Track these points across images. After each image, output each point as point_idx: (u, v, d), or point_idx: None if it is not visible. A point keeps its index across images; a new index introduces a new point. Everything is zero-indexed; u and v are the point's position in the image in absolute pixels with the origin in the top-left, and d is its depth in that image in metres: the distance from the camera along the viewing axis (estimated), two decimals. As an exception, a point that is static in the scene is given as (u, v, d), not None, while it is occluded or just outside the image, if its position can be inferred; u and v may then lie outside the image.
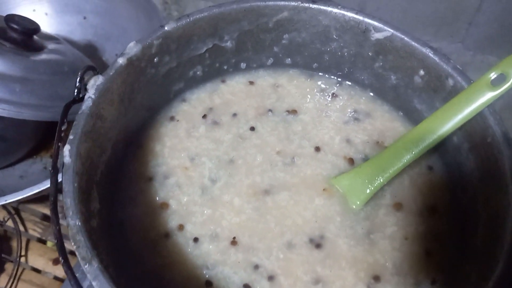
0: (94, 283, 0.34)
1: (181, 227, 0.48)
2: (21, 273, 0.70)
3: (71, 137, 0.41)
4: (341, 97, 0.60)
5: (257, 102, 0.59)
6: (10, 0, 0.89)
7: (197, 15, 0.51)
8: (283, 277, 0.46)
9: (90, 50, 0.90)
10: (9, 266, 0.70)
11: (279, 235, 0.48)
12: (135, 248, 0.46)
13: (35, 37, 0.71)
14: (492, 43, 0.77)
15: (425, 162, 0.54)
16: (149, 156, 0.53)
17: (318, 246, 0.48)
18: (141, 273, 0.45)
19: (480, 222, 0.45)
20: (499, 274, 0.37)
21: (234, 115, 0.57)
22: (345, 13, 0.53)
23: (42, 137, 0.78)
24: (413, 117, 0.56)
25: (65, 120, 0.42)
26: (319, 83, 0.61)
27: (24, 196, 0.63)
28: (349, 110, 0.58)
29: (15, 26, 0.67)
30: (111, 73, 0.46)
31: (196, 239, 0.47)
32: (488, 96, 0.45)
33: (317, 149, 0.55)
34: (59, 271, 0.71)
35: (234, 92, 0.60)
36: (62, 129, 0.41)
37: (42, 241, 0.74)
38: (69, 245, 0.42)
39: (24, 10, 0.88)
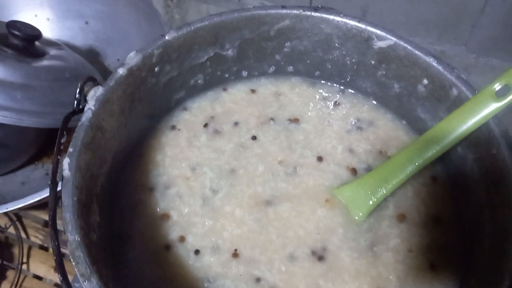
0: (93, 300, 0.33)
1: (182, 239, 0.48)
2: (23, 280, 0.70)
3: (70, 149, 0.40)
4: (343, 105, 0.59)
5: (258, 111, 0.58)
6: (12, 5, 0.89)
7: (198, 24, 0.51)
8: (285, 290, 0.45)
9: (91, 55, 0.90)
10: (10, 273, 0.70)
11: (281, 247, 0.48)
12: (135, 260, 0.46)
13: (36, 43, 0.71)
14: (495, 46, 0.77)
15: (429, 173, 0.53)
16: (150, 166, 0.52)
17: (320, 258, 0.47)
18: (142, 286, 0.44)
19: (485, 235, 0.45)
20: (505, 292, 0.36)
21: (236, 123, 0.57)
22: (347, 21, 0.53)
23: (44, 143, 0.78)
24: (417, 126, 0.56)
25: (64, 133, 0.41)
26: (321, 91, 0.60)
27: (25, 204, 0.62)
28: (351, 119, 0.58)
29: (16, 33, 0.66)
30: (111, 84, 0.46)
31: (197, 251, 0.47)
32: (493, 107, 0.44)
33: (320, 158, 0.54)
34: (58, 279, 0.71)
35: (235, 100, 0.59)
36: (62, 141, 0.41)
37: (44, 248, 0.74)
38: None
39: (26, 16, 0.88)
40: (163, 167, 0.52)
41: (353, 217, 0.49)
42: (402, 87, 0.55)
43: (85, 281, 0.33)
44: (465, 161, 0.49)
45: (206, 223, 0.49)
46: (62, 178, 0.38)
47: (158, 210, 0.49)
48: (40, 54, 0.71)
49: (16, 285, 0.69)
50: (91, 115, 0.43)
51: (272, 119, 0.57)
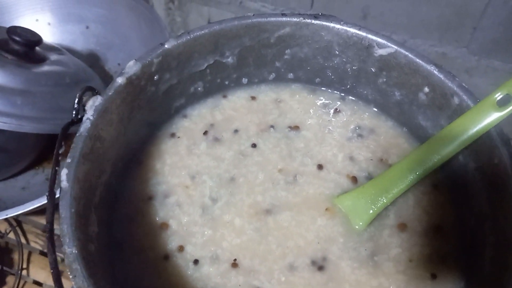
0: (91, 314, 0.33)
1: (181, 248, 0.47)
2: (23, 286, 0.70)
3: (68, 160, 0.40)
4: (344, 113, 0.59)
5: (258, 118, 0.58)
6: (13, 10, 0.89)
7: (197, 32, 0.51)
8: (285, 301, 0.45)
9: (92, 59, 0.90)
10: (10, 279, 0.70)
11: (281, 257, 0.47)
12: (133, 270, 0.46)
13: (37, 48, 0.71)
14: (497, 48, 0.76)
15: (430, 181, 0.53)
16: (149, 174, 0.52)
17: (320, 268, 0.47)
18: (140, 297, 0.44)
19: (487, 245, 0.44)
20: (506, 306, 0.36)
21: (236, 131, 0.56)
22: (348, 29, 0.52)
23: (44, 149, 0.78)
24: (418, 134, 0.55)
25: (62, 143, 0.41)
26: (322, 98, 0.60)
27: (26, 210, 0.62)
28: (352, 126, 0.57)
29: (17, 38, 0.66)
30: (110, 93, 0.45)
31: (196, 261, 0.47)
32: (494, 116, 0.44)
33: (320, 167, 0.54)
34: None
35: (235, 107, 0.59)
36: (60, 151, 0.41)
37: (44, 254, 0.73)
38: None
39: (27, 20, 0.88)
40: (163, 176, 0.52)
41: (354, 226, 0.49)
42: (403, 94, 0.54)
43: (82, 295, 0.33)
44: (466, 170, 0.49)
45: (206, 233, 0.48)
46: (60, 190, 0.38)
47: (157, 219, 0.49)
48: (41, 60, 0.71)
49: (16, 291, 0.68)
50: (89, 125, 0.43)
51: (272, 126, 0.57)
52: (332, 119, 0.58)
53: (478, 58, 0.79)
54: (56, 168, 0.40)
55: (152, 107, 0.53)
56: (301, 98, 0.60)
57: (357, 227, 0.49)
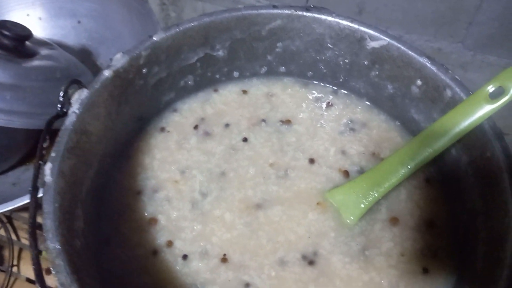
0: (74, 310, 0.33)
1: (170, 244, 0.47)
2: (13, 283, 0.69)
3: (53, 154, 0.39)
4: (336, 106, 0.58)
5: (250, 112, 0.57)
6: (3, 4, 0.88)
7: (186, 24, 0.50)
8: (275, 296, 0.44)
9: (84, 54, 0.89)
10: (1, 276, 0.69)
11: (271, 252, 0.47)
12: (121, 266, 0.45)
13: (27, 43, 0.70)
14: (492, 43, 0.76)
15: (422, 175, 0.52)
16: (138, 169, 0.51)
17: (311, 263, 0.46)
18: (128, 293, 0.43)
19: (479, 240, 0.44)
20: (497, 301, 0.35)
21: (227, 125, 0.56)
22: (340, 21, 0.52)
23: (35, 144, 0.77)
24: (411, 127, 0.55)
25: (47, 137, 0.40)
26: (314, 91, 0.59)
27: (15, 206, 0.61)
28: (344, 120, 0.57)
29: (6, 33, 0.65)
30: (96, 87, 0.45)
31: (185, 256, 0.46)
32: (487, 109, 0.43)
33: (312, 161, 0.53)
34: (51, 281, 0.70)
35: (226, 101, 0.58)
36: (45, 146, 0.40)
37: (35, 251, 0.73)
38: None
39: (18, 15, 0.87)
40: (152, 170, 0.51)
41: (345, 220, 0.48)
42: (396, 88, 0.54)
43: (64, 291, 0.32)
44: (459, 164, 0.49)
45: (195, 228, 0.48)
46: (44, 184, 0.37)
47: (146, 214, 0.48)
48: (31, 54, 0.70)
49: (6, 288, 0.68)
50: (75, 119, 0.42)
51: (263, 120, 0.56)
52: (324, 113, 0.58)
53: (473, 53, 0.79)
54: (40, 162, 0.39)
55: (141, 101, 0.52)
56: (293, 92, 0.59)
57: (348, 221, 0.48)
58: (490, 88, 0.44)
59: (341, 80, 0.58)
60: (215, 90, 0.59)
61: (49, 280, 0.68)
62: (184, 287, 0.44)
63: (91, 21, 0.89)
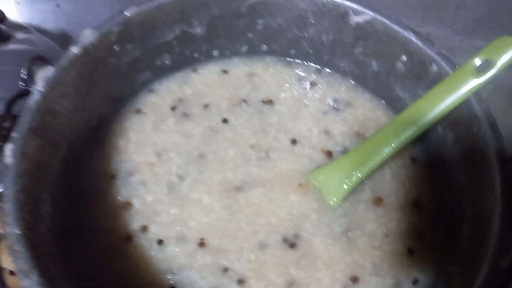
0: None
1: (144, 229, 0.45)
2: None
3: (15, 135, 0.37)
4: (320, 86, 0.56)
5: (230, 92, 0.55)
6: (-23, -13, 0.84)
7: (160, -1, 0.47)
8: (254, 280, 0.43)
9: (64, 39, 0.86)
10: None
11: (251, 235, 0.45)
12: (93, 253, 0.43)
13: (1, 26, 0.68)
14: (481, 27, 0.74)
15: (408, 154, 0.50)
16: (112, 152, 0.49)
17: (292, 246, 0.44)
18: (100, 281, 0.41)
19: (465, 220, 0.42)
20: (483, 280, 0.34)
21: (206, 106, 0.53)
22: (322, -6, 0.49)
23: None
24: (396, 106, 0.53)
25: (7, 116, 0.38)
26: (297, 71, 0.57)
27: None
28: (328, 100, 0.55)
29: (-22, 16, 0.63)
30: (63, 64, 0.42)
31: (160, 241, 0.44)
32: (473, 83, 0.42)
33: (294, 142, 0.51)
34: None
35: (206, 82, 0.56)
36: (7, 126, 0.38)
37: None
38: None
39: (-7, -2, 0.84)
40: (126, 154, 0.49)
41: (328, 202, 0.47)
42: (381, 64, 0.52)
43: (23, 279, 0.30)
44: (445, 142, 0.47)
45: (172, 212, 0.46)
46: (4, 166, 0.35)
47: (120, 198, 0.46)
48: (5, 38, 0.68)
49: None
50: (39, 98, 0.40)
51: (244, 101, 0.54)
52: (308, 92, 0.56)
53: (462, 38, 0.78)
54: (1, 143, 0.37)
55: (114, 81, 0.49)
56: (275, 71, 0.57)
57: (331, 202, 0.47)
58: (477, 61, 0.42)
59: (325, 58, 0.56)
60: (194, 70, 0.56)
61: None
62: (158, 273, 0.42)
63: (71, 4, 0.86)
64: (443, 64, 0.45)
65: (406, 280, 0.43)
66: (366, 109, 0.54)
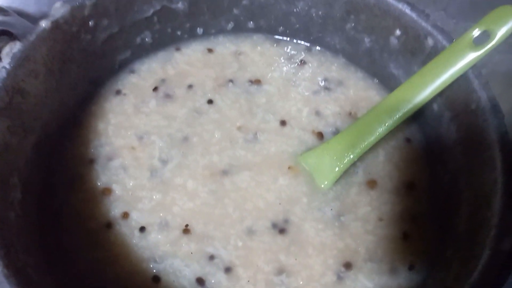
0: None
1: (125, 215, 0.42)
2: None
3: (-22, 115, 0.34)
4: (310, 64, 0.53)
5: (216, 72, 0.52)
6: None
7: (137, -30, 0.44)
8: (242, 268, 0.40)
9: (44, 22, 0.82)
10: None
11: (238, 220, 0.43)
12: (71, 242, 0.40)
13: (-25, 7, 0.64)
14: (475, 10, 0.72)
15: (402, 134, 0.48)
16: (91, 136, 0.46)
17: (282, 231, 0.42)
18: (77, 271, 0.39)
19: (463, 201, 0.40)
20: (484, 263, 0.31)
21: (190, 87, 0.51)
22: (311, -35, 0.46)
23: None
24: (390, 85, 0.51)
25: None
26: (286, 49, 0.54)
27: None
28: (319, 79, 0.52)
29: None
30: (32, 39, 0.39)
31: (142, 229, 0.42)
32: (471, 56, 0.39)
33: (283, 123, 0.49)
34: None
35: (190, 61, 0.53)
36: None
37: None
38: None
39: (-34, -21, 0.79)
40: (106, 137, 0.47)
41: (319, 185, 0.44)
42: (373, 40, 0.49)
43: (-15, 269, 0.28)
44: (441, 120, 0.45)
45: (154, 197, 0.43)
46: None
47: (99, 184, 0.44)
48: (-21, 19, 0.64)
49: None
50: (5, 75, 0.37)
51: (231, 81, 0.51)
52: (297, 72, 0.53)
53: (456, 21, 0.75)
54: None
55: (90, 60, 0.46)
56: (263, 49, 0.54)
57: (322, 186, 0.44)
58: (475, 33, 0.39)
59: (315, 35, 0.53)
60: (177, 49, 0.53)
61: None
62: (140, 262, 0.40)
63: (52, -14, 0.82)
64: (439, 37, 0.43)
65: (402, 265, 0.41)
66: (358, 88, 0.52)
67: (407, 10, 0.44)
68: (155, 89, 0.50)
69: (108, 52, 0.48)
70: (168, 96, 0.50)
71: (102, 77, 0.50)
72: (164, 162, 0.45)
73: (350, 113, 0.50)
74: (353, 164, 0.45)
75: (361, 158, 0.45)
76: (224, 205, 0.43)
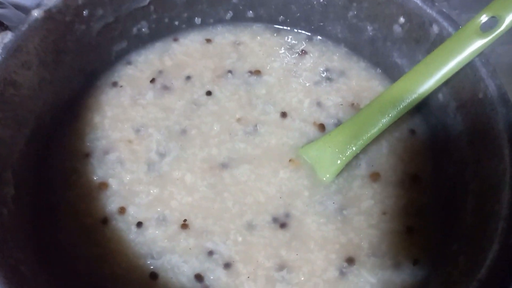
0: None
1: (122, 210, 0.41)
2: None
3: (-32, 107, 0.33)
4: (311, 54, 0.52)
5: (214, 63, 0.51)
6: None
7: (132, -43, 0.43)
8: (242, 263, 0.39)
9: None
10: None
11: (238, 215, 0.42)
12: (67, 238, 0.40)
13: (-31, -1, 0.62)
14: (478, 1, 0.70)
15: (406, 125, 0.47)
16: (86, 129, 0.45)
17: (283, 226, 0.41)
18: (73, 268, 0.38)
19: (469, 193, 0.39)
20: (493, 258, 0.30)
21: (188, 78, 0.49)
22: (311, -49, 0.45)
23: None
24: (393, 74, 0.49)
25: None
26: (286, 38, 0.53)
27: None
28: (320, 69, 0.51)
29: None
30: (23, 29, 0.38)
31: (139, 224, 0.41)
32: (478, 44, 0.38)
33: (284, 114, 0.47)
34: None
35: (188, 52, 0.52)
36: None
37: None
38: None
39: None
40: (102, 130, 0.45)
41: (320, 178, 0.43)
42: (376, 29, 0.48)
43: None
44: (446, 110, 0.43)
45: (151, 192, 0.42)
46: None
47: (95, 178, 0.43)
48: (-26, 11, 0.62)
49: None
50: (-5, 66, 0.35)
51: (230, 71, 0.50)
52: (298, 62, 0.52)
53: (459, 13, 0.74)
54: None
55: (85, 50, 0.45)
56: (263, 39, 0.53)
57: (324, 179, 0.43)
58: (483, 18, 0.38)
59: (316, 24, 0.52)
60: (175, 40, 0.52)
61: None
62: (138, 258, 0.39)
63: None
64: (445, 24, 0.41)
65: (406, 260, 0.40)
66: (361, 78, 0.50)
67: (412, -4, 0.43)
68: (153, 80, 0.49)
69: (104, 43, 0.47)
70: (165, 87, 0.49)
71: (97, 68, 0.48)
72: (161, 155, 0.44)
73: (352, 104, 0.48)
74: (356, 157, 0.44)
75: (364, 150, 0.44)
76: (223, 199, 0.42)
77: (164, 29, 0.51)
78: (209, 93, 0.48)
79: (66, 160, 0.43)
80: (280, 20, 0.53)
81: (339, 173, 0.43)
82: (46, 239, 0.38)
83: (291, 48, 0.53)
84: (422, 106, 0.45)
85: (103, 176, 0.43)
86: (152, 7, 0.48)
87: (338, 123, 0.47)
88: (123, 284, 0.38)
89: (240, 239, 0.40)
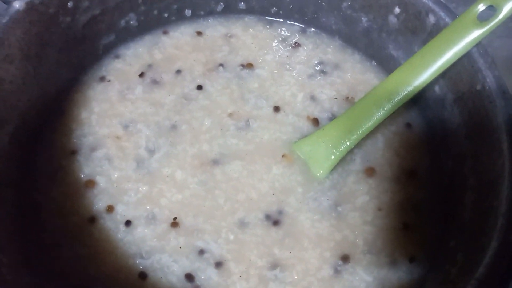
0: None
1: (110, 209, 0.40)
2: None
3: None
4: (305, 47, 0.51)
5: (205, 56, 0.49)
6: None
7: None
8: (234, 262, 0.38)
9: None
10: None
11: (230, 213, 0.40)
12: (52, 237, 0.38)
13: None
14: None
15: (402, 119, 0.46)
16: (73, 125, 0.44)
17: (275, 223, 0.40)
18: (58, 269, 0.37)
19: (467, 188, 0.38)
20: (492, 255, 0.29)
21: (178, 72, 0.48)
22: None
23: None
24: (388, 67, 0.48)
25: None
26: (279, 31, 0.52)
27: None
28: (314, 62, 0.50)
29: None
30: (4, 21, 0.37)
31: (128, 223, 0.39)
32: (475, 34, 0.37)
33: (276, 109, 0.46)
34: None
35: (178, 45, 0.50)
36: None
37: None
38: None
39: None
40: (89, 126, 0.44)
41: (314, 174, 0.42)
42: (371, 20, 0.47)
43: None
44: (444, 103, 0.42)
45: (140, 189, 0.41)
46: None
47: (82, 176, 0.41)
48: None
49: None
50: (-26, 60, 0.34)
51: (221, 65, 0.49)
52: (291, 55, 0.50)
53: (456, 6, 0.72)
54: None
55: (71, 44, 0.44)
56: (255, 32, 0.52)
57: (318, 174, 0.42)
58: (481, 7, 0.37)
59: (309, 16, 0.51)
60: (165, 32, 0.51)
61: None
62: (126, 258, 0.38)
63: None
64: (442, 14, 0.40)
65: (403, 257, 0.39)
66: (356, 71, 0.49)
67: (407, -15, 0.41)
68: (141, 74, 0.48)
69: (90, 36, 0.46)
70: (155, 82, 0.47)
71: (84, 63, 0.47)
72: (151, 151, 0.43)
73: (347, 98, 0.47)
74: (351, 151, 0.43)
75: (359, 144, 0.43)
76: (214, 197, 0.41)
77: (153, 22, 0.50)
78: (200, 87, 0.47)
79: (52, 157, 0.42)
80: (272, 11, 0.52)
81: (334, 169, 0.42)
82: (30, 239, 0.37)
83: (284, 40, 0.51)
84: (418, 99, 0.44)
85: (90, 174, 0.42)
86: (140, -1, 0.47)
87: (333, 117, 0.46)
88: (111, 284, 0.37)
89: (231, 237, 0.39)
